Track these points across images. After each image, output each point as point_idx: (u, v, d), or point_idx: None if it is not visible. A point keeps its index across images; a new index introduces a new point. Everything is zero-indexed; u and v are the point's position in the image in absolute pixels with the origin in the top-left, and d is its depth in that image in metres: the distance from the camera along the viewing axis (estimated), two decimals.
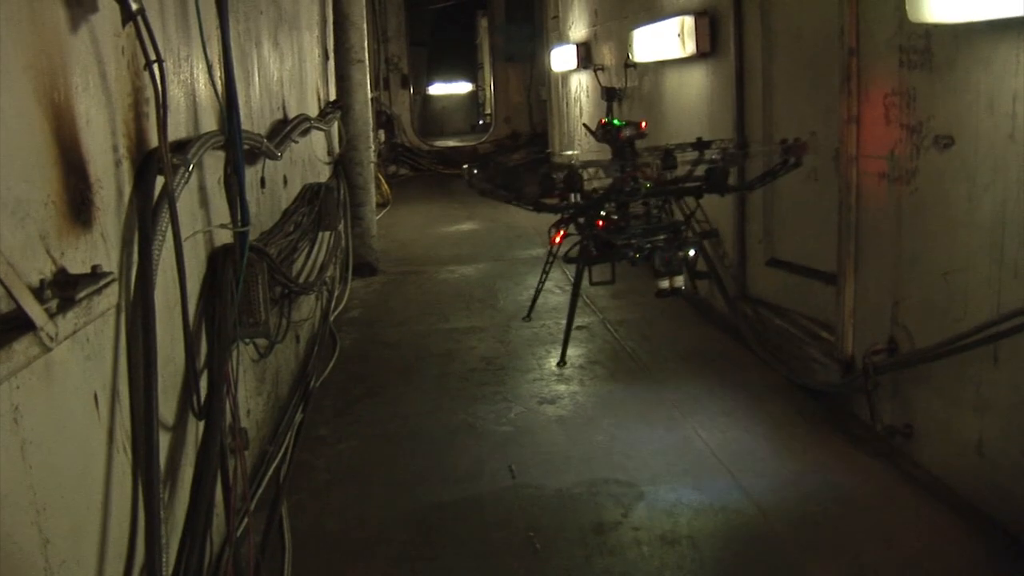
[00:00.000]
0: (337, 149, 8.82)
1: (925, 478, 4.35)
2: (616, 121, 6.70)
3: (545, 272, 7.86)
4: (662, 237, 6.37)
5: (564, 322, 6.85)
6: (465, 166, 6.76)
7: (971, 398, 4.00)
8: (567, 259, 7.02)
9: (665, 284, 6.35)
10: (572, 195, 6.58)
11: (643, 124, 6.61)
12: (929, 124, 4.19)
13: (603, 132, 6.70)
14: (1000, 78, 3.65)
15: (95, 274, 2.40)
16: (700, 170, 6.34)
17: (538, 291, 7.98)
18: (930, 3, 3.76)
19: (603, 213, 6.55)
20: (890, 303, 4.62)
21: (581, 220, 6.72)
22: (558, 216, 6.84)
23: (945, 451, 4.27)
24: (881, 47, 4.55)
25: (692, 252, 6.49)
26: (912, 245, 4.41)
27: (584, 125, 7.94)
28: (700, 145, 6.40)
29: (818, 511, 4.23)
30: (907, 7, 3.91)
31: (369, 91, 9.75)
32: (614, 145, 6.58)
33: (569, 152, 6.97)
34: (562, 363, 6.62)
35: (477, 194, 6.91)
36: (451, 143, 22.13)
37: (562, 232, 7.09)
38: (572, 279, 7.81)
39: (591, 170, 6.58)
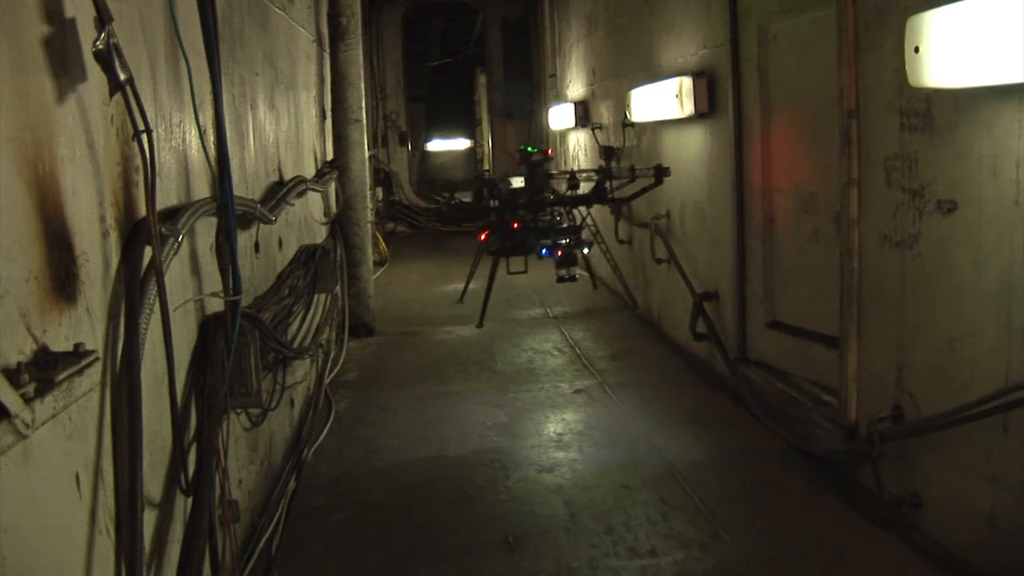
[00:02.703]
0: (334, 209, 8.78)
1: (935, 551, 4.23)
2: (529, 148, 9.12)
3: (475, 264, 10.06)
4: (563, 238, 8.75)
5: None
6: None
7: (981, 468, 3.89)
8: (490, 252, 9.24)
9: (563, 272, 8.78)
10: (491, 200, 8.99)
11: (549, 151, 9.39)
12: (931, 188, 4.14)
13: (519, 156, 9.08)
14: (1003, 143, 3.61)
15: (77, 353, 2.32)
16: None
17: (470, 276, 10.16)
18: (930, 68, 3.73)
19: (519, 216, 8.82)
20: (895, 369, 4.54)
21: (500, 222, 8.90)
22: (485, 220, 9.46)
23: (956, 523, 4.15)
24: (881, 110, 4.52)
25: (586, 250, 9.10)
26: (916, 310, 4.34)
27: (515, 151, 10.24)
28: (599, 170, 8.89)
29: None
30: (907, 72, 3.88)
31: (367, 150, 9.75)
32: (527, 166, 8.93)
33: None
34: (480, 325, 9.06)
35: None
36: None
37: (486, 232, 9.37)
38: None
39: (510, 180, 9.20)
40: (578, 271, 8.89)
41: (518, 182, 9.19)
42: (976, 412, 3.79)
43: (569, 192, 9.08)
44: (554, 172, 9.64)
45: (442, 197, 18.67)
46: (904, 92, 4.25)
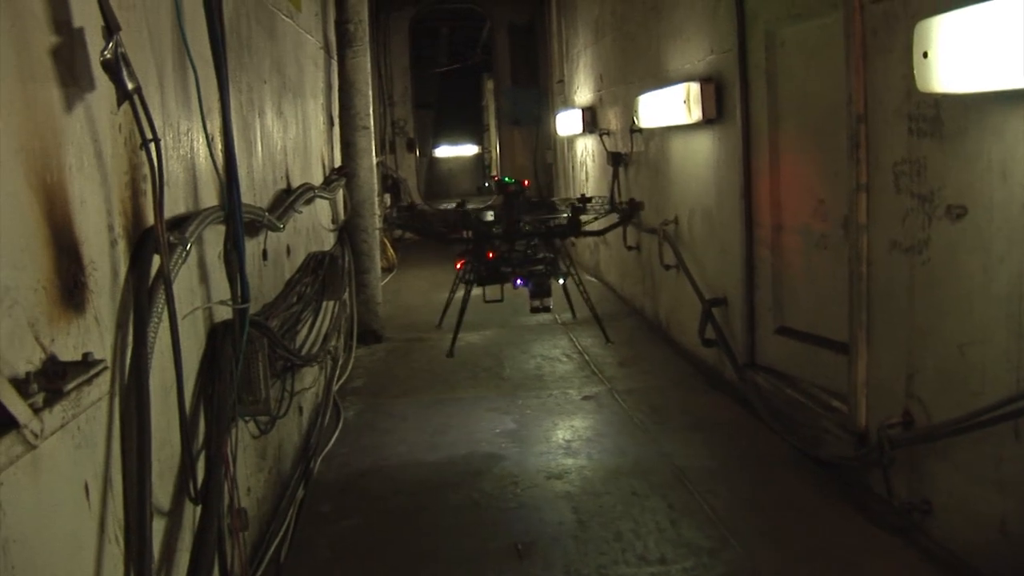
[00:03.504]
0: (342, 216, 8.79)
1: (945, 556, 4.21)
2: (507, 179, 9.18)
3: (453, 290, 9.69)
4: (539, 267, 8.66)
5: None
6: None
7: (992, 474, 3.87)
8: (464, 280, 9.10)
9: (536, 303, 8.63)
10: (465, 231, 8.93)
11: (526, 182, 9.40)
12: (940, 193, 4.12)
13: (496, 186, 9.28)
14: (1013, 148, 3.59)
15: (86, 362, 2.32)
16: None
17: (449, 301, 9.68)
18: (939, 74, 3.71)
19: (495, 245, 8.73)
20: (904, 375, 4.52)
21: (475, 252, 8.87)
22: (462, 248, 9.21)
23: (966, 529, 4.13)
24: (890, 115, 4.50)
25: (561, 280, 8.96)
26: (926, 316, 4.32)
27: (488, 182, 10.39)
28: (582, 199, 9.09)
29: None
30: (916, 77, 3.87)
31: (374, 157, 9.75)
32: (503, 197, 8.96)
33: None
34: (450, 355, 8.51)
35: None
36: None
37: (463, 260, 9.19)
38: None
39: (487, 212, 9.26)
40: (552, 301, 8.79)
41: (491, 215, 9.23)
42: (987, 418, 3.77)
43: (552, 221, 9.08)
44: (534, 199, 9.59)
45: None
46: (913, 97, 4.23)
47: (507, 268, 8.73)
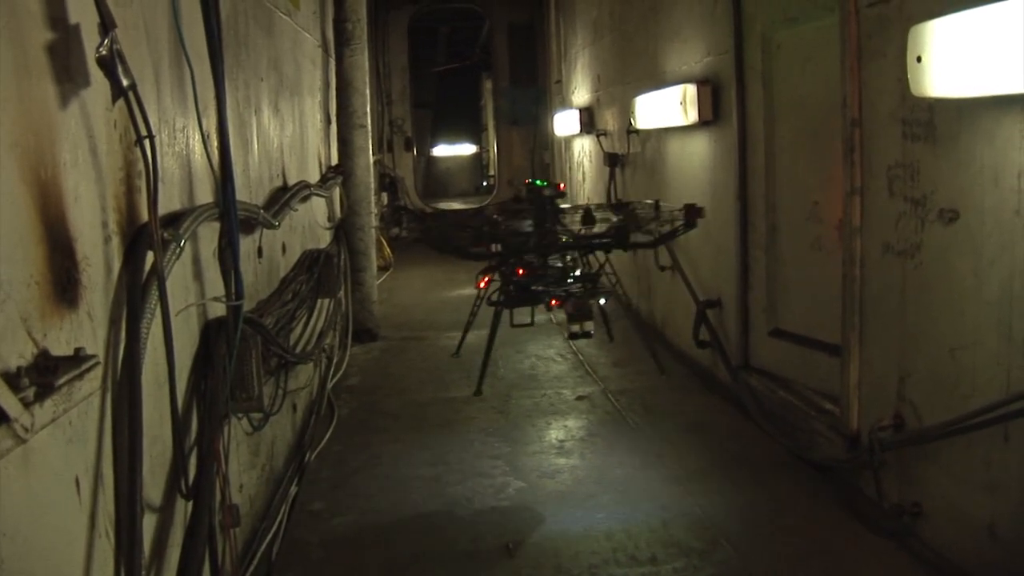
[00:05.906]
0: (338, 214, 8.80)
1: (935, 560, 4.22)
2: (539, 182, 7.64)
3: (474, 313, 8.48)
4: (576, 285, 7.28)
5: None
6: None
7: (981, 478, 3.89)
8: (490, 302, 7.74)
9: (576, 328, 7.02)
10: (493, 245, 7.46)
11: (561, 185, 7.78)
12: (933, 197, 4.14)
13: (527, 191, 7.67)
14: (1004, 153, 3.60)
15: (77, 357, 2.33)
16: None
17: (467, 327, 8.51)
18: (932, 78, 3.73)
19: (525, 261, 7.35)
20: (896, 377, 4.54)
21: (503, 268, 7.53)
22: (485, 263, 7.81)
23: (955, 532, 4.15)
24: (884, 119, 4.52)
25: (603, 300, 7.52)
26: (918, 319, 4.33)
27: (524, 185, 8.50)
28: (617, 206, 7.54)
29: None
30: (909, 81, 3.88)
31: (371, 156, 9.75)
32: (535, 203, 7.47)
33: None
34: (478, 393, 7.30)
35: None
36: (455, 205, 22.11)
37: (487, 277, 7.92)
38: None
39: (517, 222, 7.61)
40: (593, 326, 7.09)
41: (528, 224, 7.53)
42: (977, 422, 3.78)
43: (584, 231, 7.45)
44: (565, 206, 7.79)
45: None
46: (907, 101, 4.24)
47: (539, 287, 7.33)
